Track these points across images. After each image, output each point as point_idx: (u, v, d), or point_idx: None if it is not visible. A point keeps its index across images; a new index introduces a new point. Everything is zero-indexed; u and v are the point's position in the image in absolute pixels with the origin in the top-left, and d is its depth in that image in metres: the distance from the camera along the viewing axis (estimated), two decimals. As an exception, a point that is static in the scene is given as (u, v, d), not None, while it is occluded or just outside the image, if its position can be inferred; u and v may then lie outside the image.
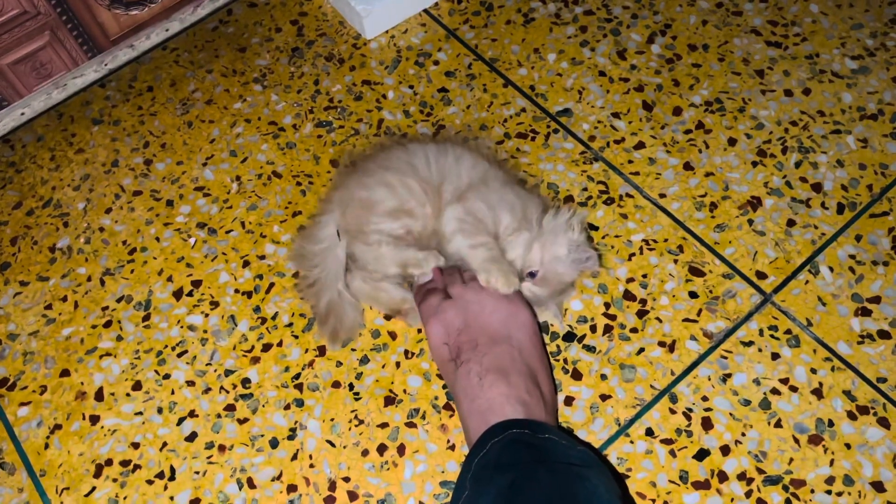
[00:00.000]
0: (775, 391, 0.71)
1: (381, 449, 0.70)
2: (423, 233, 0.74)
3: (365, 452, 0.70)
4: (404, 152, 0.77)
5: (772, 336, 0.73)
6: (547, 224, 0.72)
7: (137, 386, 0.75)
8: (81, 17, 0.83)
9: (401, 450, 0.70)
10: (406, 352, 0.75)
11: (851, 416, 0.69)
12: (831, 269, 0.76)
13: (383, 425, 0.71)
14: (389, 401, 0.73)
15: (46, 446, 0.73)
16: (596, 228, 0.80)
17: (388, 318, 0.77)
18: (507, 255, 0.71)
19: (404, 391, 0.73)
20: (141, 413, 0.74)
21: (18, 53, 0.81)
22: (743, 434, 0.69)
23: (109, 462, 0.72)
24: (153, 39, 0.90)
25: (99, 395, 0.75)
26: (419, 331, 0.76)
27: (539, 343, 0.69)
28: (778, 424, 0.69)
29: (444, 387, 0.73)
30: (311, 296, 0.76)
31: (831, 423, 0.69)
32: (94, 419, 0.74)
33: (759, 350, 0.73)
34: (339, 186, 0.79)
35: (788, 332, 0.73)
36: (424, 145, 0.78)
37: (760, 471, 0.67)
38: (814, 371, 0.71)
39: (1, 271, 0.83)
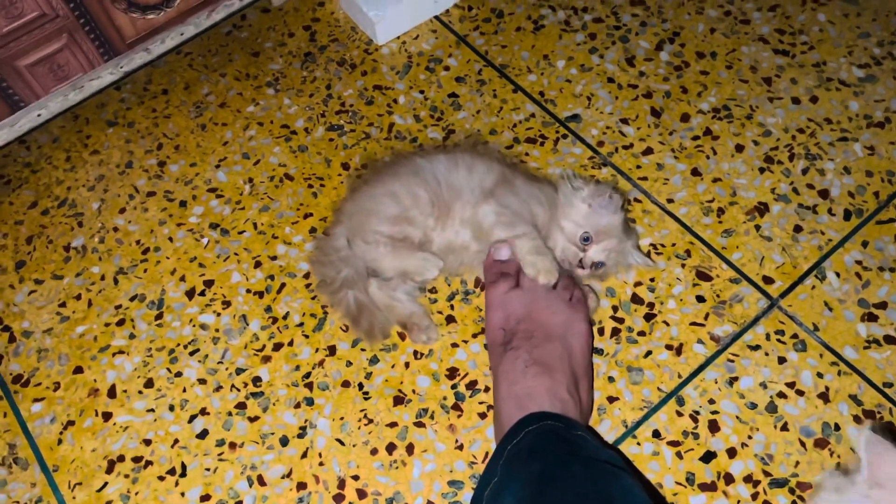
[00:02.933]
0: (782, 395, 0.71)
1: (390, 448, 0.71)
2: (422, 241, 0.75)
3: (374, 451, 0.71)
4: (414, 167, 0.78)
5: (778, 340, 0.74)
6: (561, 200, 0.75)
7: (150, 383, 0.76)
8: (99, 20, 0.84)
9: (409, 449, 0.71)
10: (415, 352, 0.76)
11: (857, 419, 0.69)
12: (838, 275, 0.77)
13: (392, 424, 0.72)
14: (398, 400, 0.73)
15: (59, 442, 0.74)
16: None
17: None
18: (549, 243, 0.73)
19: (413, 391, 0.74)
20: (153, 410, 0.75)
21: (37, 55, 0.83)
22: (749, 437, 0.69)
23: (121, 458, 0.73)
24: (168, 43, 0.92)
25: (111, 392, 0.76)
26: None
27: (589, 355, 0.71)
28: (784, 427, 0.69)
29: (454, 387, 0.74)
30: (338, 300, 0.76)
31: (837, 427, 0.69)
32: (107, 416, 0.75)
33: (766, 354, 0.73)
34: (348, 198, 0.81)
35: (795, 336, 0.74)
36: (435, 159, 0.79)
37: (767, 473, 0.68)
38: (820, 375, 0.72)
39: (16, 269, 0.85)
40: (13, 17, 0.78)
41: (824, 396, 0.71)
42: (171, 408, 0.75)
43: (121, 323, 0.80)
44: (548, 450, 0.57)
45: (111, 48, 0.88)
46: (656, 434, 0.70)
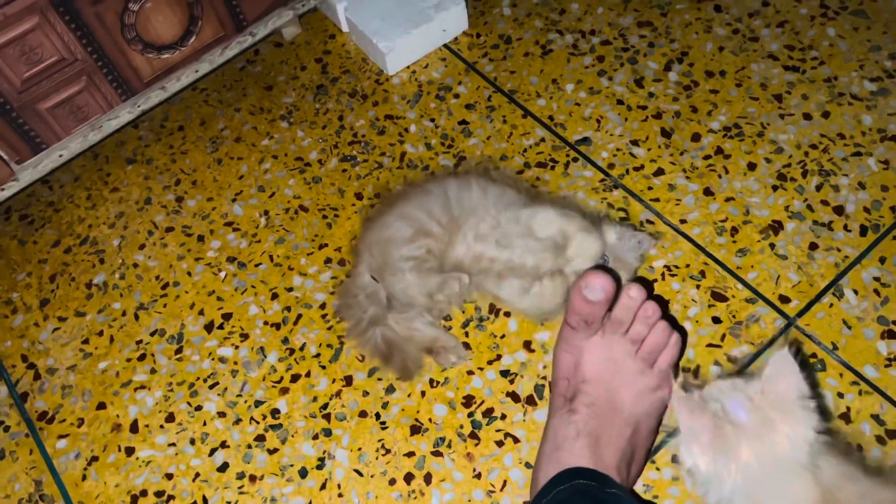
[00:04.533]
0: (802, 416, 0.70)
1: (408, 478, 0.71)
2: (444, 253, 0.76)
3: (392, 481, 0.71)
4: (424, 190, 0.79)
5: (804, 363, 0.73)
6: (587, 225, 0.75)
7: (171, 417, 0.77)
8: (116, 61, 0.87)
9: (427, 478, 0.71)
10: (431, 381, 0.76)
11: (881, 440, 0.68)
12: (856, 292, 0.76)
13: (410, 454, 0.72)
14: (415, 430, 0.74)
15: (84, 478, 0.75)
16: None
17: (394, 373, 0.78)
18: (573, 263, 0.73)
19: (430, 420, 0.74)
20: (174, 444, 0.76)
21: (57, 98, 0.85)
22: (770, 460, 0.68)
23: (144, 493, 0.74)
24: (183, 81, 0.94)
25: (134, 427, 0.77)
26: (444, 360, 0.77)
27: (656, 428, 0.68)
28: (806, 450, 0.68)
29: (470, 415, 0.74)
30: (366, 340, 0.77)
31: (860, 448, 0.68)
32: (130, 451, 0.76)
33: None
34: (362, 237, 0.82)
35: (814, 355, 0.73)
36: (445, 181, 0.80)
37: (789, 497, 0.67)
38: (841, 395, 0.71)
39: (41, 307, 0.87)
40: (33, 63, 0.81)
41: (846, 417, 0.70)
42: (192, 441, 0.76)
43: (142, 358, 0.81)
44: None
45: (128, 88, 0.90)
46: (675, 459, 0.69)
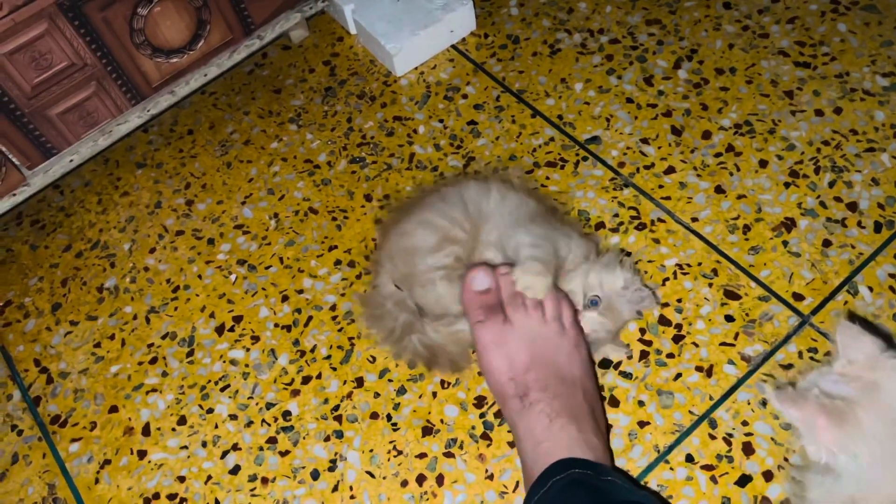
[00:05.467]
0: (817, 414, 0.69)
1: (420, 479, 0.71)
2: (471, 257, 0.75)
3: (404, 483, 0.71)
4: (440, 194, 0.78)
5: (811, 358, 0.72)
6: (601, 259, 0.74)
7: (182, 420, 0.77)
8: (125, 66, 0.87)
9: (439, 480, 0.71)
10: (442, 381, 0.76)
11: (898, 438, 0.68)
12: (870, 289, 0.75)
13: (421, 455, 0.72)
14: (427, 431, 0.73)
15: (97, 481, 0.75)
16: (629, 254, 0.80)
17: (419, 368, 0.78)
18: (568, 286, 0.72)
19: (441, 421, 0.74)
20: (186, 447, 0.76)
21: (67, 104, 0.85)
22: (786, 459, 0.68)
23: (157, 496, 0.74)
24: (192, 84, 0.94)
25: (146, 431, 0.78)
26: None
27: (596, 379, 0.70)
28: (821, 448, 0.68)
29: (482, 416, 0.73)
30: (403, 348, 0.76)
31: None
32: (142, 454, 0.76)
33: (800, 373, 0.72)
34: (381, 246, 0.81)
35: (829, 353, 0.72)
36: (463, 185, 0.79)
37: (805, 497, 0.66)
38: (857, 393, 0.70)
39: (53, 312, 0.87)
40: (43, 69, 0.81)
41: (862, 415, 0.69)
42: (204, 444, 0.76)
43: (153, 361, 0.82)
44: (575, 501, 0.56)
45: (138, 93, 0.91)
46: (689, 458, 0.69)
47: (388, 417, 0.75)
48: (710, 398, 0.71)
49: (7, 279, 0.91)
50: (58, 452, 0.78)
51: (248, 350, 0.81)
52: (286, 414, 0.76)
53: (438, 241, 0.74)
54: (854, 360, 0.58)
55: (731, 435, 0.69)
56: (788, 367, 0.72)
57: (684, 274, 0.78)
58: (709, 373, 0.73)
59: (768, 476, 0.67)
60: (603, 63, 0.95)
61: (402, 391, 0.76)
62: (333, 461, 0.73)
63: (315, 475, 0.72)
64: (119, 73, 0.87)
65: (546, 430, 0.63)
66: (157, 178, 0.95)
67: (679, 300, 0.77)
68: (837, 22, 0.94)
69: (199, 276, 0.87)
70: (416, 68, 0.99)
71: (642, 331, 0.76)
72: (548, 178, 0.87)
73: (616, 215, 0.83)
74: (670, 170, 0.85)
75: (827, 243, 0.78)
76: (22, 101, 0.82)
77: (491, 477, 0.70)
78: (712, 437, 0.70)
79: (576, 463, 0.60)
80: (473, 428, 0.73)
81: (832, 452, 0.55)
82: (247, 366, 0.80)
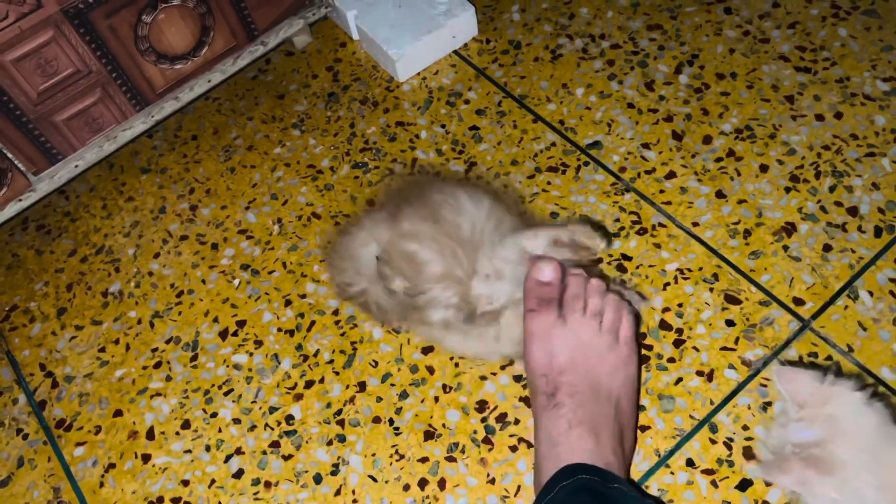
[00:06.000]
0: (818, 419, 0.70)
1: (422, 483, 0.71)
2: (465, 296, 0.74)
3: (406, 487, 0.71)
4: (452, 207, 0.77)
5: (812, 363, 0.72)
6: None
7: (186, 424, 0.78)
8: (130, 73, 0.88)
9: (441, 484, 0.71)
10: (444, 386, 0.76)
11: (898, 443, 0.68)
12: (871, 294, 0.75)
13: (423, 460, 0.73)
14: (429, 435, 0.74)
15: (101, 485, 0.76)
16: (630, 259, 0.81)
17: (425, 352, 0.78)
18: None
19: (443, 425, 0.74)
20: (190, 451, 0.76)
21: (72, 110, 0.86)
22: (786, 463, 0.68)
23: (161, 500, 0.74)
24: (196, 90, 0.95)
25: (150, 434, 0.78)
26: (456, 364, 0.77)
27: (636, 400, 0.69)
28: (822, 453, 0.68)
29: (483, 420, 0.74)
30: (356, 300, 0.78)
31: None
32: (146, 458, 0.77)
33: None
34: (376, 218, 0.80)
35: (829, 358, 0.73)
36: (476, 206, 0.78)
37: (806, 502, 0.66)
38: (857, 398, 0.70)
39: (58, 316, 0.88)
40: (49, 75, 0.82)
41: (862, 419, 0.69)
42: (208, 448, 0.76)
43: (157, 365, 0.82)
44: None
45: (142, 98, 0.91)
46: (690, 463, 0.69)
47: (391, 422, 0.75)
48: (711, 402, 0.72)
49: (13, 284, 0.91)
50: (63, 456, 0.78)
51: (251, 354, 0.81)
52: (289, 418, 0.77)
53: (444, 274, 0.73)
54: (803, 401, 0.59)
55: (731, 439, 0.70)
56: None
57: (685, 278, 0.79)
58: (709, 377, 0.73)
59: (769, 481, 0.67)
60: (604, 68, 0.95)
61: (404, 395, 0.76)
62: (336, 465, 0.73)
63: (318, 479, 0.73)
64: (124, 79, 0.88)
65: (563, 434, 0.63)
66: (161, 184, 0.96)
67: (680, 305, 0.77)
68: (838, 27, 0.94)
69: (203, 281, 0.87)
70: (418, 74, 0.99)
71: (643, 335, 0.76)
72: (549, 182, 0.87)
73: (617, 220, 0.83)
74: (671, 175, 0.86)
75: (827, 248, 0.79)
76: (28, 107, 0.83)
77: (493, 481, 0.71)
78: (713, 442, 0.70)
79: (584, 469, 0.60)
80: (475, 432, 0.73)
81: (836, 500, 0.55)
82: (250, 370, 0.80)
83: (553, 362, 0.66)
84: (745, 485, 0.67)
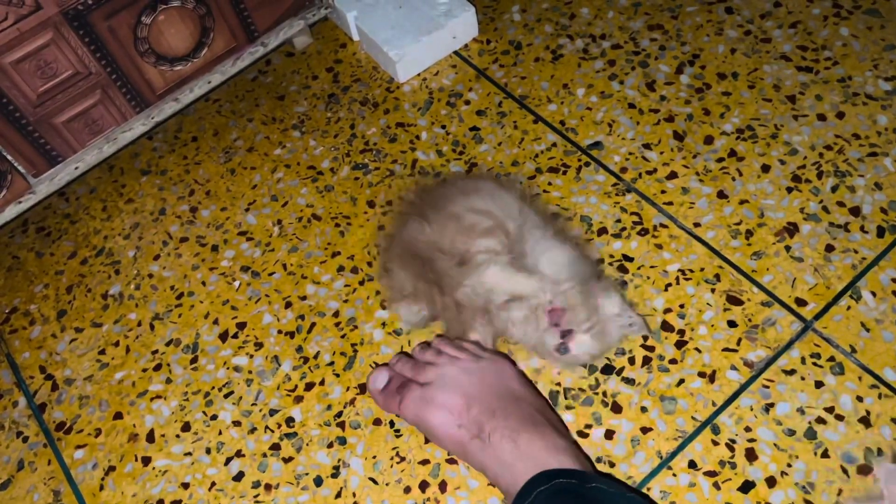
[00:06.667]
0: (821, 420, 0.69)
1: (423, 486, 0.71)
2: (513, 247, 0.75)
3: (407, 489, 0.71)
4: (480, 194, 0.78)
5: (815, 364, 0.72)
6: (600, 283, 0.74)
7: (186, 427, 0.78)
8: (130, 75, 0.88)
9: (442, 486, 0.71)
10: (445, 388, 0.76)
11: (902, 444, 0.67)
12: (874, 294, 0.75)
13: (424, 462, 0.72)
14: (430, 437, 0.73)
15: (101, 488, 0.76)
16: (631, 260, 0.80)
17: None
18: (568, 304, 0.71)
19: (444, 427, 0.74)
20: (190, 454, 0.76)
21: (72, 112, 0.86)
22: (789, 465, 0.68)
23: (161, 502, 0.74)
24: (196, 92, 0.95)
25: (150, 437, 0.78)
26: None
27: (531, 384, 0.71)
28: (825, 454, 0.68)
29: (484, 422, 0.73)
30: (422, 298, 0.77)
31: (881, 452, 0.67)
32: (146, 460, 0.77)
33: (802, 378, 0.72)
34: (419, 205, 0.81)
35: (832, 359, 0.72)
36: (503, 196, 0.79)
37: (808, 503, 0.66)
38: (860, 399, 0.70)
39: (58, 318, 0.87)
40: (49, 77, 0.82)
41: (865, 421, 0.69)
42: (208, 451, 0.76)
43: (158, 368, 0.82)
44: None
45: (142, 100, 0.91)
46: (692, 464, 0.69)
47: (391, 424, 0.75)
48: (713, 404, 0.71)
49: (13, 286, 0.91)
50: (63, 459, 0.78)
51: (251, 357, 0.81)
52: (289, 420, 0.76)
53: (490, 227, 0.74)
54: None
55: (733, 441, 0.69)
56: (791, 372, 0.72)
57: (686, 279, 0.78)
58: (711, 378, 0.73)
59: (771, 482, 0.67)
60: (605, 68, 0.95)
61: (404, 397, 0.76)
62: (336, 468, 0.73)
63: (318, 482, 0.73)
64: (124, 81, 0.88)
65: (513, 451, 0.62)
66: (161, 185, 0.96)
67: (682, 306, 0.77)
68: (840, 26, 0.94)
69: (203, 283, 0.87)
70: (418, 74, 0.99)
71: (645, 336, 0.76)
72: (550, 183, 0.87)
73: (618, 221, 0.83)
74: (672, 175, 0.85)
75: (830, 248, 0.78)
76: (27, 109, 0.83)
77: (493, 483, 0.70)
78: (715, 443, 0.70)
79: (560, 473, 0.60)
80: (476, 434, 0.73)
81: None
82: (250, 372, 0.80)
83: (455, 411, 0.66)
84: (747, 486, 0.67)
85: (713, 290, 0.77)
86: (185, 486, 0.74)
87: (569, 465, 0.61)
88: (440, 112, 0.95)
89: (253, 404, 0.78)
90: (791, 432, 0.69)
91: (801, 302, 0.76)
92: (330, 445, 0.74)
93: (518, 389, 0.68)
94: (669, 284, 0.78)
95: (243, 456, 0.75)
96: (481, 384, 0.67)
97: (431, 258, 0.75)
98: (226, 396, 0.79)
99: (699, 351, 0.74)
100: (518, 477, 0.61)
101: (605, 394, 0.73)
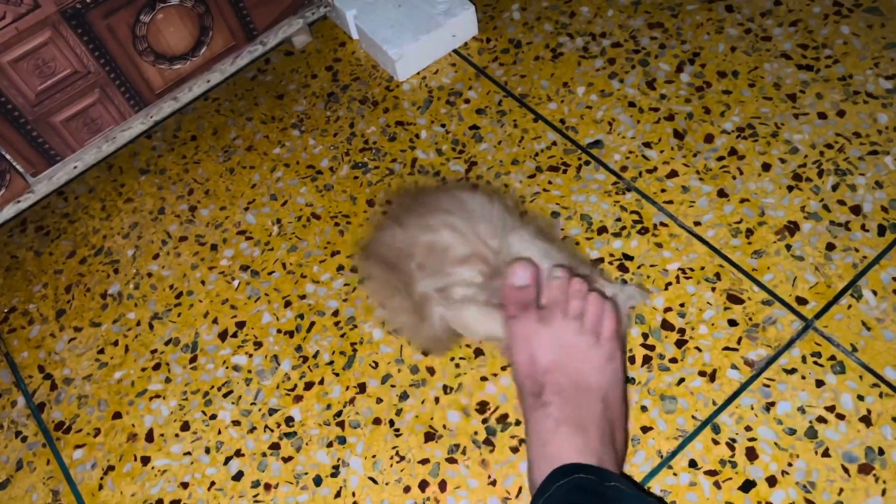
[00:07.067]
0: (821, 419, 0.69)
1: (423, 485, 0.71)
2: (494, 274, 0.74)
3: (407, 489, 0.71)
4: (462, 207, 0.78)
5: (815, 363, 0.72)
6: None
7: (185, 426, 0.78)
8: (128, 73, 0.87)
9: (442, 486, 0.71)
10: (445, 387, 0.76)
11: (903, 443, 0.67)
12: (875, 293, 0.75)
13: (424, 461, 0.72)
14: (429, 436, 0.73)
15: (100, 487, 0.76)
16: (631, 258, 0.80)
17: (426, 354, 0.78)
18: None
19: (444, 426, 0.74)
20: (189, 453, 0.76)
21: (71, 111, 0.86)
22: (790, 464, 0.67)
23: (160, 502, 0.74)
24: (195, 91, 0.94)
25: (149, 437, 0.78)
26: (457, 365, 0.77)
27: (624, 395, 0.69)
28: (826, 453, 0.68)
29: (484, 421, 0.73)
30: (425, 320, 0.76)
31: (881, 452, 0.67)
32: (146, 460, 0.76)
33: (803, 377, 0.71)
34: (388, 225, 0.81)
35: (833, 358, 0.72)
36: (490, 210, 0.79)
37: (809, 502, 0.66)
38: (861, 398, 0.70)
39: (57, 318, 0.87)
40: (47, 76, 0.82)
41: (866, 420, 0.69)
42: (207, 450, 0.76)
43: (157, 367, 0.82)
44: None
45: (141, 99, 0.91)
46: (693, 464, 0.69)
47: (391, 423, 0.75)
48: (714, 403, 0.71)
49: (11, 285, 0.91)
50: (62, 459, 0.78)
51: (250, 356, 0.81)
52: (289, 420, 0.76)
53: (467, 255, 0.74)
54: None
55: (734, 440, 0.69)
56: (791, 371, 0.72)
57: (687, 278, 0.78)
58: (712, 377, 0.73)
59: (772, 481, 0.67)
60: (605, 67, 0.95)
61: (404, 397, 0.76)
62: (336, 467, 0.73)
63: (318, 481, 0.72)
64: (122, 79, 0.87)
65: (551, 433, 0.63)
66: (160, 184, 0.96)
67: (682, 305, 0.77)
68: (840, 24, 0.93)
69: (203, 282, 0.87)
70: (418, 73, 0.99)
71: (645, 335, 0.76)
72: (550, 182, 0.87)
73: (618, 219, 0.83)
74: (673, 174, 0.85)
75: (830, 247, 0.78)
76: (26, 108, 0.82)
77: (494, 483, 0.70)
78: (715, 443, 0.69)
79: (581, 468, 0.60)
80: (476, 434, 0.73)
81: None
82: (249, 371, 0.80)
83: (536, 364, 0.67)
84: (748, 486, 0.67)
85: (713, 289, 0.77)
86: (185, 485, 0.74)
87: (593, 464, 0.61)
88: (440, 111, 0.95)
89: (252, 404, 0.78)
90: (792, 431, 0.69)
91: (802, 301, 0.75)
92: (329, 445, 0.74)
93: (605, 391, 0.66)
94: (670, 283, 0.78)
95: (243, 455, 0.75)
96: (576, 364, 0.66)
97: (402, 266, 0.76)
98: (225, 396, 0.79)
99: (699, 350, 0.74)
100: (544, 458, 0.62)
101: (605, 393, 0.73)
